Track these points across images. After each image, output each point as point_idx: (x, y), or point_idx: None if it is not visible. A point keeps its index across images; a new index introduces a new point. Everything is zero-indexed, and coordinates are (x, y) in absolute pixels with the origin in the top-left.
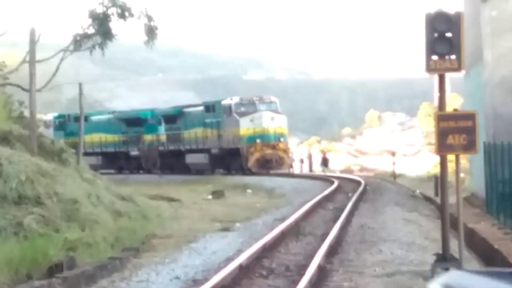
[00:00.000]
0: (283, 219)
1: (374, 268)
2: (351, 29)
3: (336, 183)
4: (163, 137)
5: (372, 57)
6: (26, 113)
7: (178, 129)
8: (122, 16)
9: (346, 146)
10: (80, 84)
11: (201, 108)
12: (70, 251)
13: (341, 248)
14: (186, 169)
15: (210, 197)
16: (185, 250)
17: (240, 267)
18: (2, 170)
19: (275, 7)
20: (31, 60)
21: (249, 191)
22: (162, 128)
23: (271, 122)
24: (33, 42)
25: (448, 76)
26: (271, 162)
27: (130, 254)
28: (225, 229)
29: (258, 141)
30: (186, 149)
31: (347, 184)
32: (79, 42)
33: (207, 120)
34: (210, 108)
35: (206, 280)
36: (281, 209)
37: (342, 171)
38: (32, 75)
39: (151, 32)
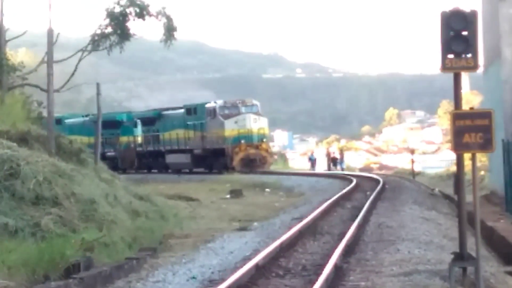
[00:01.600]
0: (301, 218)
1: (391, 267)
2: (370, 26)
3: (354, 181)
4: (139, 139)
5: (392, 54)
6: (45, 113)
7: (157, 130)
8: (140, 15)
9: (365, 144)
10: (98, 84)
11: (182, 111)
12: (87, 252)
13: (359, 247)
14: (165, 168)
15: (228, 196)
16: (202, 250)
17: (257, 267)
18: (20, 171)
19: (295, 5)
20: (49, 61)
21: (267, 190)
22: (138, 130)
23: (254, 123)
24: (50, 43)
25: (468, 73)
26: (255, 161)
27: (147, 254)
28: (243, 229)
29: (242, 141)
30: (167, 150)
31: (365, 183)
32: (97, 42)
33: (189, 122)
34: (191, 111)
35: (222, 280)
36: (299, 208)
37: (361, 169)
38: (49, 75)
39: (169, 32)
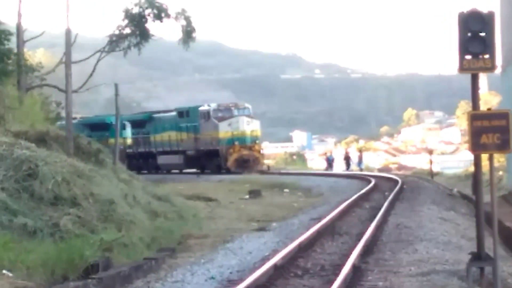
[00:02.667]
0: (319, 219)
1: (410, 267)
2: (389, 27)
3: (373, 182)
4: (128, 141)
5: (410, 55)
6: (63, 114)
7: (147, 133)
8: (158, 17)
9: (384, 145)
10: (116, 85)
11: (173, 113)
12: (106, 252)
13: (377, 247)
14: (156, 169)
15: (247, 196)
16: (221, 250)
17: (275, 267)
18: (39, 171)
19: (314, 5)
20: (67, 61)
21: (286, 190)
22: (127, 133)
23: (247, 126)
24: (69, 43)
25: (486, 74)
26: (248, 162)
27: (166, 255)
28: (262, 229)
29: (236, 143)
30: (158, 151)
31: (384, 183)
32: (115, 42)
33: (182, 125)
34: (183, 113)
35: (241, 280)
36: (317, 208)
37: (379, 170)
38: (68, 76)
39: (188, 34)
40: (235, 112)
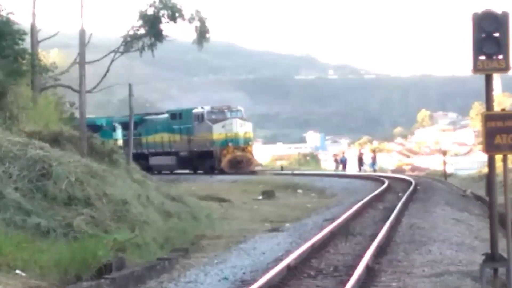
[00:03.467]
0: (332, 219)
1: (423, 268)
2: (403, 28)
3: (386, 183)
4: (120, 142)
5: (424, 56)
6: (77, 114)
7: (139, 134)
8: (173, 18)
9: (398, 146)
10: (130, 85)
11: (166, 115)
12: (119, 252)
13: (390, 248)
14: (148, 170)
15: (260, 197)
16: (234, 250)
17: (288, 268)
18: (52, 171)
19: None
20: (81, 62)
21: (299, 191)
22: (118, 134)
23: (240, 128)
24: (83, 44)
25: (500, 75)
26: (242, 163)
27: (179, 255)
28: (275, 230)
29: (230, 144)
30: (150, 152)
31: (397, 184)
32: (129, 43)
33: (175, 127)
34: (176, 116)
35: (254, 280)
36: (331, 209)
37: (393, 171)
38: (82, 76)
39: (202, 34)
40: (228, 114)
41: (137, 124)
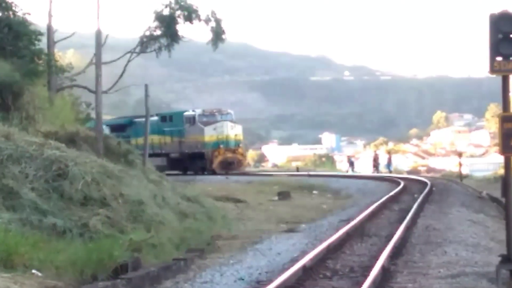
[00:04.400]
0: (348, 220)
1: (439, 269)
2: (419, 29)
3: (402, 184)
4: None
5: (440, 57)
6: (93, 114)
7: (128, 136)
8: (188, 19)
9: (413, 147)
10: (146, 86)
11: (156, 118)
12: (135, 252)
13: (406, 249)
14: None
15: (276, 198)
16: (250, 251)
17: (304, 268)
18: (68, 172)
19: (344, 8)
20: (97, 62)
21: (315, 192)
22: None
23: (231, 130)
24: (99, 44)
25: None
26: (233, 164)
27: (195, 255)
28: (291, 230)
29: (221, 146)
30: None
31: (413, 185)
32: (145, 43)
33: (165, 129)
34: (167, 118)
35: (270, 281)
36: (346, 210)
37: (408, 172)
38: (98, 77)
39: (218, 35)
40: (219, 117)
41: (126, 126)
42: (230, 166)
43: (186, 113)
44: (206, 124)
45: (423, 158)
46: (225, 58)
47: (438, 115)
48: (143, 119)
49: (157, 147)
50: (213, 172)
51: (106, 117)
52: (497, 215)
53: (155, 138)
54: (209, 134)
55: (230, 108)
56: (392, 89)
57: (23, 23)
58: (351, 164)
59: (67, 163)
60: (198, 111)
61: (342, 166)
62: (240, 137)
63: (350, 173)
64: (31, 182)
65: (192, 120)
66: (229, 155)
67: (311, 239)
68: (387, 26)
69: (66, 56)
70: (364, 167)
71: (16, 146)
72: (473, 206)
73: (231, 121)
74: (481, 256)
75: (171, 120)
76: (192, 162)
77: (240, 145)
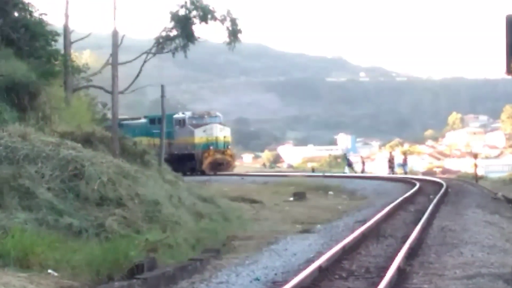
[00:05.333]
0: (364, 221)
1: (454, 270)
2: (434, 30)
3: (417, 185)
4: None
5: (455, 59)
6: (109, 115)
7: None
8: (204, 19)
9: (428, 148)
10: (162, 86)
11: (143, 120)
12: (151, 253)
13: (422, 250)
14: None
15: (291, 199)
16: (265, 251)
17: (320, 269)
18: (84, 172)
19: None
20: (114, 63)
21: (330, 193)
22: None
23: (220, 132)
24: (115, 45)
25: None
26: (222, 165)
27: (210, 256)
28: (306, 231)
29: (211, 147)
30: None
31: (428, 186)
32: (161, 44)
33: (154, 131)
34: (155, 121)
35: (285, 281)
36: (362, 211)
37: (424, 173)
38: (114, 77)
39: (234, 35)
40: (208, 119)
41: None
42: (220, 167)
43: (175, 116)
44: (196, 126)
45: (438, 159)
46: (241, 59)
47: (454, 117)
48: (131, 121)
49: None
50: (202, 173)
51: (121, 117)
52: None
53: (143, 140)
54: (199, 136)
55: (246, 109)
56: (407, 90)
57: (40, 23)
58: (349, 164)
59: (83, 163)
60: (188, 114)
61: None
62: (229, 139)
63: (347, 173)
64: (47, 182)
65: (182, 122)
66: (219, 156)
67: (326, 240)
68: (403, 27)
69: (83, 57)
70: (380, 168)
71: (33, 146)
72: (489, 207)
73: (220, 123)
74: (496, 257)
75: (159, 123)
76: (181, 163)
77: (229, 146)
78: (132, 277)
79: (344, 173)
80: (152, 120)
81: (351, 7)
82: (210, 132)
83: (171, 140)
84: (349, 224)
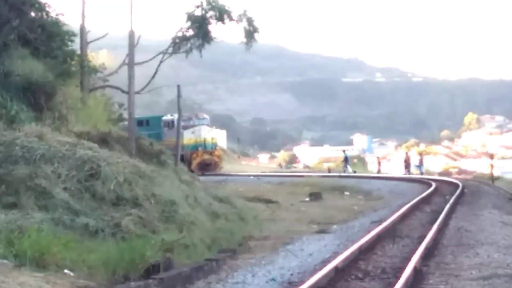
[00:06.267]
0: (380, 222)
1: (471, 271)
2: (450, 31)
3: (433, 185)
4: None
5: (472, 59)
6: (126, 115)
7: None
8: (220, 19)
9: (445, 149)
10: (178, 86)
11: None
12: (167, 253)
13: (438, 250)
14: None
15: (307, 199)
16: (281, 252)
17: (336, 269)
18: (101, 172)
19: (375, 10)
20: (130, 63)
21: (346, 193)
22: None
23: (208, 134)
24: (132, 45)
25: None
26: (210, 165)
27: (226, 256)
28: (322, 231)
29: (200, 148)
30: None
31: (444, 187)
32: (178, 44)
33: (142, 132)
34: (143, 122)
35: (302, 282)
36: (378, 211)
37: (440, 174)
38: (130, 77)
39: (250, 35)
40: (196, 121)
41: None
42: (208, 167)
43: (164, 118)
44: (185, 128)
45: (455, 160)
46: (257, 59)
47: (470, 117)
48: (120, 123)
49: None
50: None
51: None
52: None
53: None
54: (188, 137)
55: (262, 109)
56: (423, 91)
57: (56, 23)
58: (346, 161)
59: (99, 163)
60: (176, 115)
61: (373, 168)
62: (216, 140)
63: (346, 172)
64: (64, 182)
65: (170, 124)
66: (207, 157)
67: (342, 240)
68: (419, 28)
69: (99, 57)
70: (396, 169)
71: (49, 146)
72: (505, 207)
73: (208, 125)
74: None
75: (147, 124)
76: None
77: (217, 147)
78: (148, 277)
79: (349, 172)
80: (140, 122)
81: (368, 7)
82: (198, 134)
83: (159, 141)
84: (365, 224)
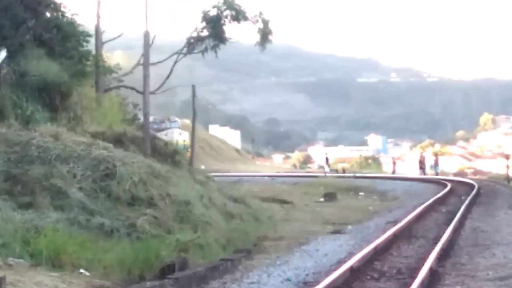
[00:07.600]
0: (395, 222)
1: (487, 271)
2: (465, 31)
3: (449, 186)
4: None
5: (487, 59)
6: (140, 115)
7: None
8: (236, 19)
9: (460, 149)
10: (193, 86)
11: None
12: (182, 252)
13: (454, 251)
14: None
15: (322, 199)
16: (296, 252)
17: (351, 270)
18: (116, 172)
19: (390, 10)
20: (145, 63)
21: (361, 193)
22: None
23: (179, 136)
24: (147, 45)
25: None
26: None
27: (241, 256)
28: (337, 232)
29: None
30: None
31: (460, 187)
32: (192, 45)
33: None
34: None
35: (317, 282)
36: (393, 211)
37: (455, 174)
38: (145, 77)
39: (265, 36)
40: (169, 124)
41: None
42: None
43: (137, 121)
44: (158, 130)
45: (470, 160)
46: (271, 59)
47: (485, 117)
48: None
49: None
50: None
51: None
52: None
53: None
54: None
55: (276, 109)
56: (438, 91)
57: (72, 24)
58: (327, 161)
59: (114, 163)
60: (150, 119)
61: (387, 168)
62: (187, 142)
63: (327, 173)
64: (79, 182)
65: None
66: None
67: (357, 241)
68: (434, 28)
69: (114, 57)
70: (410, 169)
71: (64, 146)
72: None
73: (178, 128)
74: None
75: None
76: None
77: (188, 149)
78: (163, 277)
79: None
80: None
81: (383, 7)
82: (171, 136)
83: None
84: (380, 225)
